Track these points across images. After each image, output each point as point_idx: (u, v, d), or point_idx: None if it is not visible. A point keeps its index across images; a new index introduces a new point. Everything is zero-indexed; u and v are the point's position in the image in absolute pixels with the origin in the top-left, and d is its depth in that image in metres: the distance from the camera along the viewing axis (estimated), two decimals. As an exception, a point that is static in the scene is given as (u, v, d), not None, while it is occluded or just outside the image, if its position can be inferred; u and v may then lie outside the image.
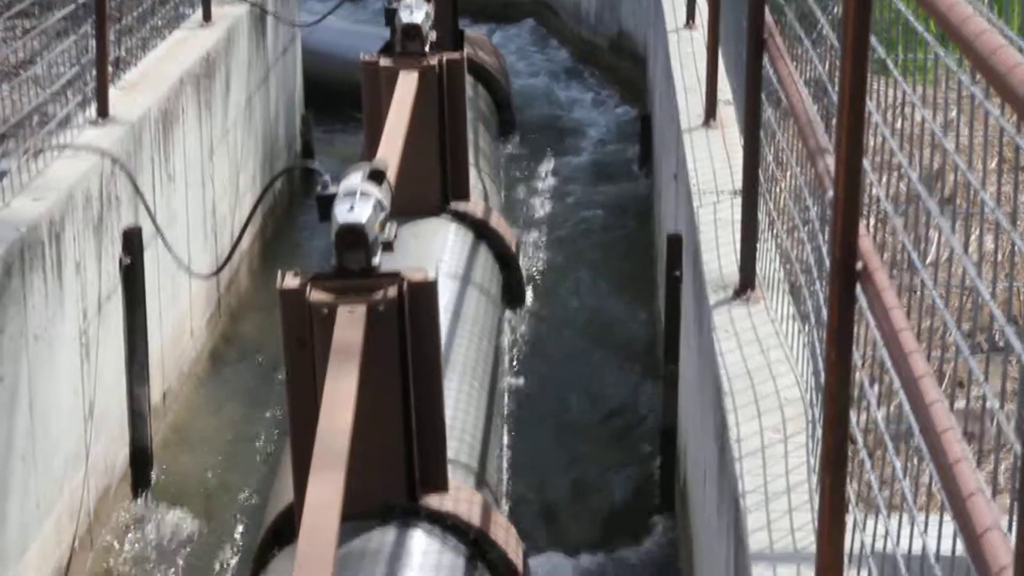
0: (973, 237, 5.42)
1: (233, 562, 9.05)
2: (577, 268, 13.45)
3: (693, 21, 11.95)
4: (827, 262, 4.34)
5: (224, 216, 12.24)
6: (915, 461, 4.13)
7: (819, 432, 4.44)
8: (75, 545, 8.57)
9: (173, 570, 8.95)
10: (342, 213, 6.77)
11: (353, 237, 6.81)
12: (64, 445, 8.44)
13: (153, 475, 9.77)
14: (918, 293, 3.76)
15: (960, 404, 4.89)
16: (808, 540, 4.65)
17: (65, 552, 8.42)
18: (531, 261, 13.39)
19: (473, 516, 7.39)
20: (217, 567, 9.03)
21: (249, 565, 7.75)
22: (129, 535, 9.24)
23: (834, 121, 4.24)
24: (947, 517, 3.40)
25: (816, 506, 4.38)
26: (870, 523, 4.17)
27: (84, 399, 8.80)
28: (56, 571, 8.27)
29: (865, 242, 3.91)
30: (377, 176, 7.03)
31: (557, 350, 11.91)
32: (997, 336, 5.18)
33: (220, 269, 10.73)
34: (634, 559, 8.87)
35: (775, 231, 6.64)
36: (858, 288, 3.89)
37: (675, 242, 9.09)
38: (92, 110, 9.68)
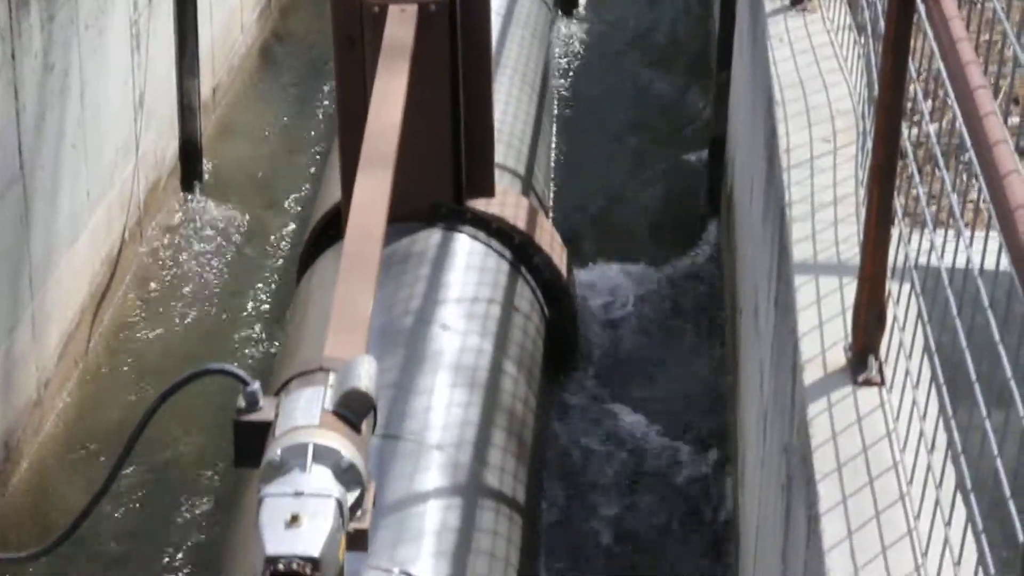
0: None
1: (281, 257, 9.15)
2: (632, -26, 13.23)
3: None
4: (887, -29, 4.24)
5: (276, -90, 12.05)
6: (964, 177, 4.11)
7: (869, 144, 4.41)
8: (125, 236, 8.67)
9: (222, 262, 9.06)
10: (395, -92, 6.64)
11: (406, -67, 6.69)
12: (114, 136, 8.48)
13: (203, 169, 9.82)
14: (978, 5, 3.69)
15: (1014, 120, 4.84)
16: (852, 252, 4.66)
17: (115, 242, 8.53)
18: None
19: (519, 221, 7.42)
20: (265, 261, 9.14)
21: (296, 261, 7.84)
22: (179, 227, 9.34)
23: None
24: (993, 233, 3.39)
25: (862, 218, 4.37)
26: (915, 237, 4.17)
27: (134, 90, 8.80)
28: (107, 260, 8.39)
29: (928, -50, 3.82)
30: None
31: (609, 57, 11.80)
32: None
33: (271, -36, 10.60)
34: (679, 265, 8.93)
35: (836, -61, 6.49)
36: (917, -2, 3.81)
37: (733, -51, 8.91)
38: None
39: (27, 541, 6.75)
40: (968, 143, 3.15)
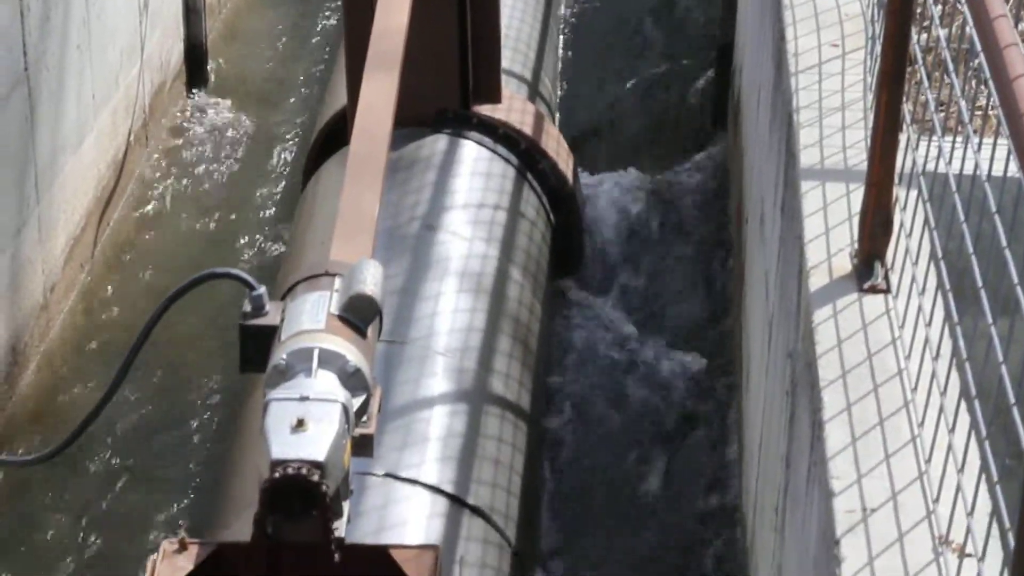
0: None
1: (287, 160, 9.12)
2: None
3: None
4: None
5: None
6: (973, 83, 4.08)
7: (878, 49, 4.38)
8: (131, 139, 8.65)
9: (227, 166, 9.04)
10: None
11: None
12: (119, 38, 8.43)
13: (208, 72, 9.77)
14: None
15: (1024, 27, 4.80)
16: (860, 158, 4.64)
17: (121, 145, 8.50)
18: None
19: (525, 127, 7.40)
20: (271, 165, 9.11)
21: (302, 165, 7.82)
22: (184, 131, 9.31)
23: None
24: (1001, 140, 3.37)
25: (870, 124, 4.35)
26: (923, 143, 4.15)
27: (138, -7, 8.75)
28: (112, 164, 8.37)
29: None
30: None
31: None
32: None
33: None
34: (685, 174, 8.90)
35: None
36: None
37: None
38: None
39: (35, 445, 6.79)
40: (978, 47, 3.12)
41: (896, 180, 4.05)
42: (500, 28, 7.33)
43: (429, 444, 5.42)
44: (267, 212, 8.67)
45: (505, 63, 7.58)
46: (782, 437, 4.64)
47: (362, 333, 3.45)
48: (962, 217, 3.49)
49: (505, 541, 5.36)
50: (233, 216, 8.62)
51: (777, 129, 5.61)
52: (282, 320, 3.48)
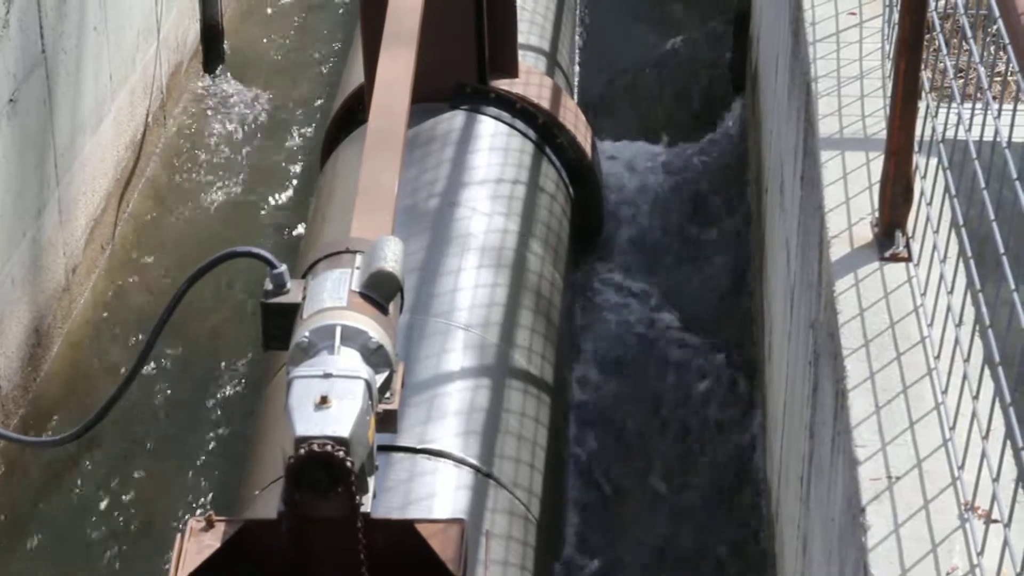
0: None
1: (305, 139, 9.13)
2: None
3: None
4: None
5: None
6: (992, 49, 4.07)
7: (896, 16, 4.36)
8: (149, 120, 8.66)
9: (245, 145, 9.04)
10: None
11: None
12: (136, 18, 8.43)
13: (224, 51, 9.77)
14: None
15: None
16: (879, 127, 4.63)
17: (139, 126, 8.51)
18: None
19: (543, 100, 7.39)
20: (289, 143, 9.12)
21: (320, 143, 7.82)
22: (202, 111, 9.31)
23: None
24: (1021, 106, 3.37)
25: (889, 93, 4.34)
26: (942, 110, 4.14)
27: (154, -27, 8.75)
28: (131, 144, 8.38)
29: None
30: None
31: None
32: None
33: None
34: (704, 145, 8.88)
35: None
36: None
37: None
38: None
39: (60, 426, 6.81)
40: (996, 13, 3.11)
41: (916, 148, 4.04)
42: (516, 1, 7.32)
43: (453, 418, 5.43)
44: (286, 191, 8.68)
45: (522, 36, 7.57)
46: (805, 407, 4.64)
47: (384, 310, 3.46)
48: (983, 184, 3.48)
49: (530, 514, 5.38)
50: (252, 195, 8.63)
51: (795, 98, 5.60)
52: (304, 298, 3.50)
